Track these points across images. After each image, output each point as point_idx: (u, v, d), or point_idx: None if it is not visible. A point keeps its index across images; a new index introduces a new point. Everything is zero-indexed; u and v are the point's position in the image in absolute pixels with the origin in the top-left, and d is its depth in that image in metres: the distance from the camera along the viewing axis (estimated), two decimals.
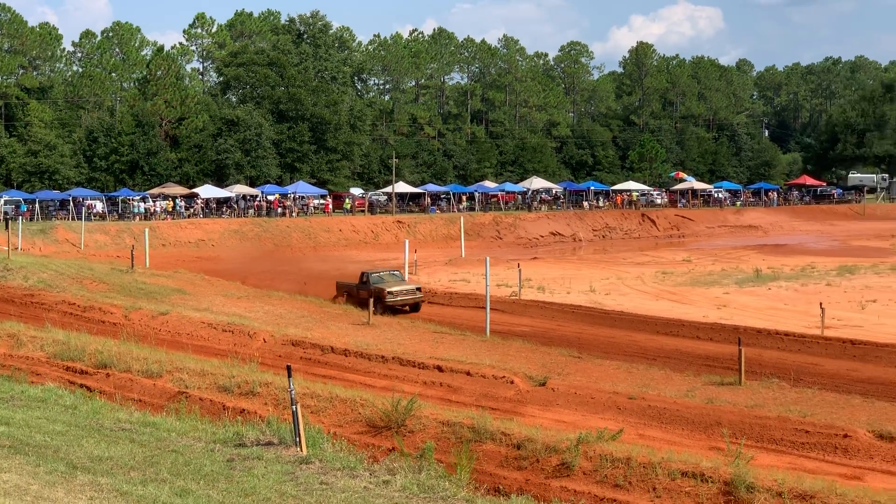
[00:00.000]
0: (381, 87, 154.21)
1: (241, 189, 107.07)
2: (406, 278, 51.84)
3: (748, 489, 16.26)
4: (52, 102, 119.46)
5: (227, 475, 14.82)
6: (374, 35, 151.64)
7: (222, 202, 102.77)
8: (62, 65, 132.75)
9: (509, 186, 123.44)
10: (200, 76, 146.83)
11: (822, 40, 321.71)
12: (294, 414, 16.50)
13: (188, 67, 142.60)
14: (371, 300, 42.40)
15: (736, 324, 40.31)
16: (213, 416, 21.35)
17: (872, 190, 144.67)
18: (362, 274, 49.61)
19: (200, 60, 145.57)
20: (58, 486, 13.75)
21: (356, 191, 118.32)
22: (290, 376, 17.33)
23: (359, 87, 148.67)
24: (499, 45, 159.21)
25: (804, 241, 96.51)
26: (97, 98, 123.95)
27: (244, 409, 22.35)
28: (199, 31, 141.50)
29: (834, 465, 19.67)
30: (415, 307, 47.25)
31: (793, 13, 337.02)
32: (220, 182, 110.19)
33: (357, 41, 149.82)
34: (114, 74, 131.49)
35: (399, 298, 46.84)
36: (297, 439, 16.42)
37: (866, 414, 23.05)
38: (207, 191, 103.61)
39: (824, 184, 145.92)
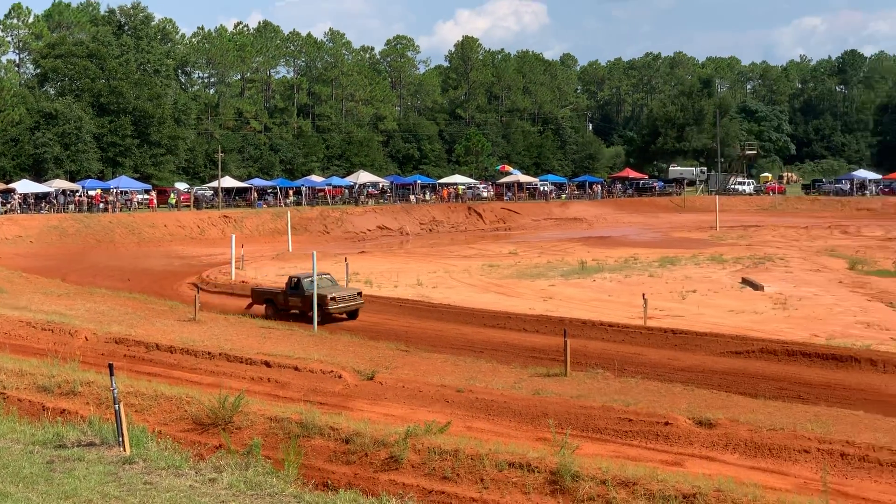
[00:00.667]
0: (206, 80, 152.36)
1: (61, 184, 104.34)
2: (335, 281, 45.53)
3: (573, 478, 16.51)
4: None
5: (46, 477, 14.49)
6: (199, 28, 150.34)
7: (41, 197, 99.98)
8: None
9: (336, 181, 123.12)
10: (17, 68, 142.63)
11: (642, 36, 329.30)
12: (116, 413, 16.21)
13: (3, 59, 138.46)
14: (314, 308, 38.58)
15: (562, 315, 40.85)
16: (32, 417, 20.84)
17: (692, 183, 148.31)
18: (291, 279, 43.93)
19: (16, 52, 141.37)
20: None
21: (181, 185, 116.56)
22: (111, 374, 17.03)
23: (183, 81, 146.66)
24: (325, 39, 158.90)
25: (627, 233, 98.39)
26: None
27: (65, 410, 21.86)
28: (14, 21, 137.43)
29: (656, 452, 20.10)
30: (353, 314, 42.64)
31: (614, 9, 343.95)
32: (39, 177, 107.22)
33: (180, 34, 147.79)
34: None
35: (342, 305, 41.98)
36: (120, 439, 16.14)
37: (686, 402, 23.62)
38: (25, 186, 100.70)
39: (646, 177, 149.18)
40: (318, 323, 38.84)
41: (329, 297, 41.22)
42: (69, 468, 14.99)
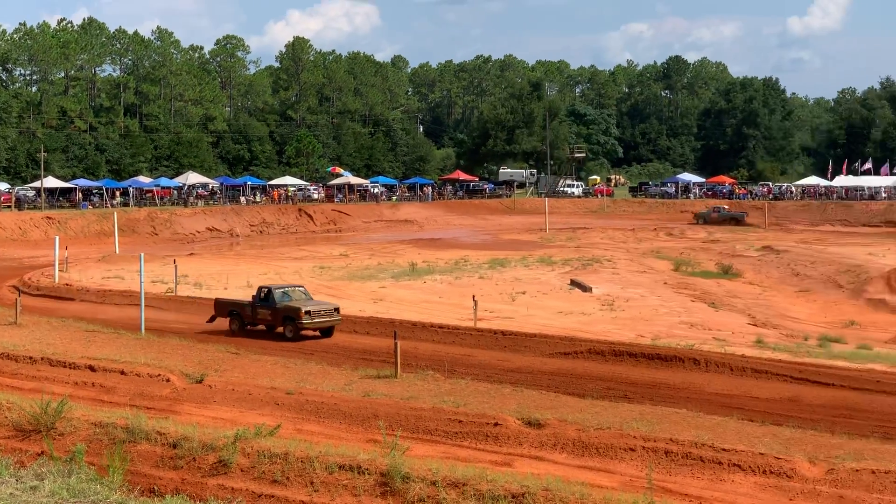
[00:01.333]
0: (28, 77, 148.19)
1: None
2: (310, 294, 40.81)
3: (404, 479, 16.52)
4: None
5: None
6: (20, 23, 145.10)
7: None
8: None
9: (165, 182, 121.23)
10: None
11: (474, 39, 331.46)
12: None
13: None
14: (283, 323, 36.01)
15: (392, 317, 40.98)
16: None
17: (522, 185, 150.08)
18: (261, 289, 39.60)
19: None
20: None
21: (1, 186, 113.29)
22: None
23: (3, 78, 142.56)
24: (153, 38, 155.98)
25: (458, 235, 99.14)
26: None
27: None
28: None
29: (486, 453, 20.21)
30: (328, 331, 37.99)
31: (446, 11, 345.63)
32: None
33: (1, 29, 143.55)
34: None
35: (318, 320, 37.49)
36: None
37: (516, 402, 23.83)
38: None
39: (477, 179, 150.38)
40: (291, 339, 36.62)
41: (303, 310, 37.02)
42: None
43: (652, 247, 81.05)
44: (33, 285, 56.12)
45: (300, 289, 40.23)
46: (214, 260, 73.14)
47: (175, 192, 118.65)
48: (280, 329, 36.01)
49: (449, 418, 22.19)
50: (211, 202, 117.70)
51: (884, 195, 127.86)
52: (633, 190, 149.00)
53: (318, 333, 37.64)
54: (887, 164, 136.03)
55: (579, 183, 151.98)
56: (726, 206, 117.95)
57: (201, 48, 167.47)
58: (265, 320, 38.50)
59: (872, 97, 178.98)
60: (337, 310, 38.60)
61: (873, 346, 39.00)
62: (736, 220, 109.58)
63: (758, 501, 17.32)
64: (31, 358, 29.49)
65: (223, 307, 40.45)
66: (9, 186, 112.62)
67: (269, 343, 35.72)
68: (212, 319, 40.19)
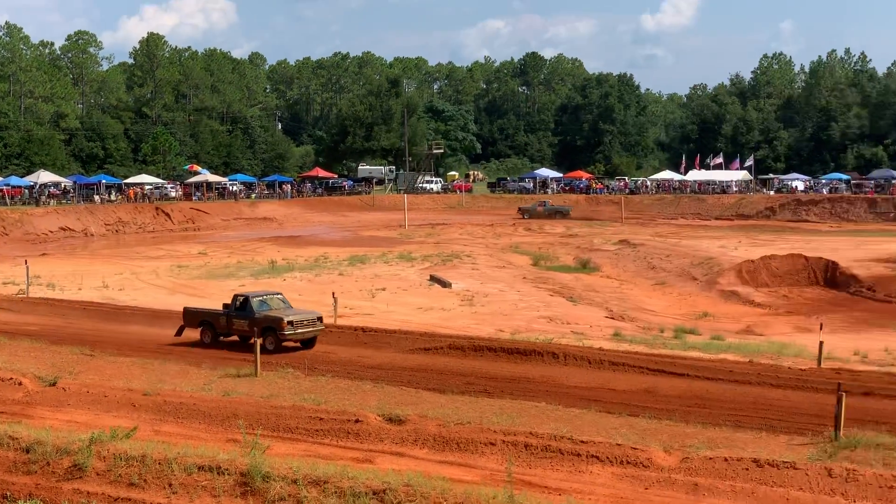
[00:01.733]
0: None
1: None
2: (289, 302, 37.22)
3: (264, 478, 16.40)
4: None
5: None
6: None
7: None
8: None
9: (15, 181, 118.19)
10: None
11: (332, 35, 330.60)
12: None
13: None
14: (260, 334, 31.60)
15: None
16: None
17: (381, 182, 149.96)
18: (237, 298, 36.14)
19: None
20: None
21: None
22: None
23: None
24: (1, 33, 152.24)
25: (318, 232, 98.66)
26: None
27: None
28: None
29: (347, 450, 20.19)
30: (309, 342, 34.91)
31: (304, 8, 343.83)
32: None
33: None
34: None
35: (301, 331, 34.45)
36: None
37: (377, 399, 23.86)
38: None
39: (336, 176, 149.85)
40: (272, 351, 33.06)
41: (285, 321, 33.97)
42: None
43: (511, 242, 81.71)
44: None
45: (278, 296, 37.11)
46: (68, 260, 71.70)
47: (26, 191, 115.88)
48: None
49: (310, 416, 22.11)
50: (64, 201, 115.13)
51: (734, 189, 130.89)
52: (491, 186, 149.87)
53: (298, 345, 34.65)
54: (738, 159, 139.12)
55: (438, 179, 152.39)
56: (551, 201, 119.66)
57: (52, 44, 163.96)
58: (241, 331, 35.03)
59: (723, 93, 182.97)
60: (320, 319, 35.68)
61: (726, 336, 39.94)
62: (561, 214, 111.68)
63: (615, 491, 17.59)
64: None
65: (193, 317, 36.92)
66: None
67: (126, 344, 35.02)
68: (180, 331, 36.75)
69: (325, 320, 36.65)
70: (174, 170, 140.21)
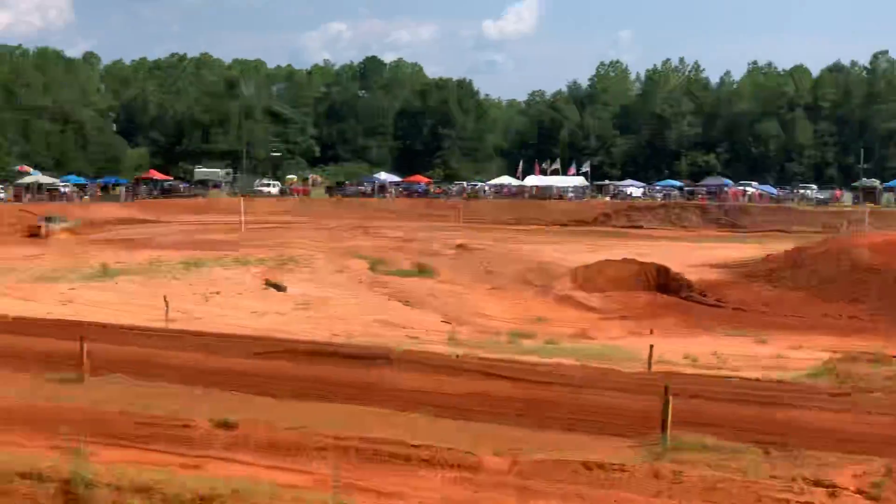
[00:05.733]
0: None
1: None
2: None
3: (87, 485, 16.10)
4: None
5: None
6: None
7: None
8: None
9: None
10: None
11: (171, 36, 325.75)
12: None
13: None
14: None
15: (81, 319, 39.72)
16: None
17: (218, 185, 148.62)
18: None
19: None
20: None
21: None
22: None
23: None
24: None
25: (153, 235, 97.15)
26: None
27: None
28: None
29: (176, 456, 19.80)
30: None
31: (142, 8, 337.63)
32: None
33: None
34: None
35: None
36: None
37: (208, 404, 23.52)
38: None
39: (172, 178, 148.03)
40: None
41: None
42: None
43: (349, 246, 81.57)
44: None
45: None
46: None
47: None
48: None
49: (137, 422, 21.68)
50: None
51: (571, 194, 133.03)
52: (329, 189, 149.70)
53: None
54: (574, 165, 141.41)
55: (276, 182, 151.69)
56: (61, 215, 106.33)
57: None
58: None
59: (561, 100, 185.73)
60: None
61: (560, 340, 40.47)
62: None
63: (446, 495, 17.62)
64: None
65: None
66: None
67: None
68: None
69: (158, 324, 36.26)
70: (3, 170, 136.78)
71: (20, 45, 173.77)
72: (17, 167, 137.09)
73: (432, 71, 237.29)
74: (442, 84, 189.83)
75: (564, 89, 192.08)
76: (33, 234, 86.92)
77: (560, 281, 59.05)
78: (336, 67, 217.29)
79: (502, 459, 19.09)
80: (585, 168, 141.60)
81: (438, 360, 31.55)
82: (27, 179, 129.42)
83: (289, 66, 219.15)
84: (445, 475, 18.54)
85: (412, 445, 19.57)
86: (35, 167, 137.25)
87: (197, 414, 22.05)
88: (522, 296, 56.93)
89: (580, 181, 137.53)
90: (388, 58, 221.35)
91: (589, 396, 27.03)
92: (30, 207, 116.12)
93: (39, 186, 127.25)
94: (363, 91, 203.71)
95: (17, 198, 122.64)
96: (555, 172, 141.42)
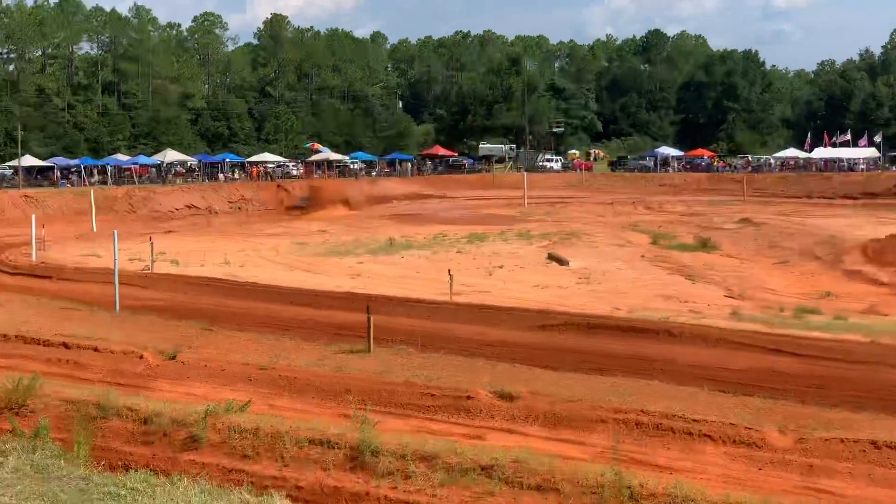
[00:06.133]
0: (5, 56, 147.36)
1: None
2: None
3: (373, 453, 16.53)
4: None
5: None
6: None
7: None
8: None
9: (143, 159, 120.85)
10: None
11: (454, 15, 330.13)
12: None
13: None
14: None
15: (368, 292, 40.87)
16: None
17: (501, 160, 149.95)
18: None
19: None
20: None
21: None
22: None
23: None
24: (130, 16, 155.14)
25: (437, 210, 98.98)
26: None
27: None
28: None
29: (458, 427, 20.19)
30: None
31: None
32: None
33: None
34: None
35: None
36: None
37: (489, 376, 23.80)
38: None
39: (456, 154, 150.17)
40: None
41: None
42: None
43: (630, 220, 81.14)
44: (10, 264, 56.03)
45: None
46: (192, 237, 73.06)
47: (153, 169, 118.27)
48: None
49: (421, 392, 22.15)
50: (189, 179, 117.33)
51: (862, 167, 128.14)
52: (612, 164, 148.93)
53: None
54: (865, 136, 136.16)
55: (558, 157, 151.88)
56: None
57: (179, 25, 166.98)
58: None
59: (851, 69, 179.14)
60: None
61: (849, 316, 39.10)
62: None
63: (727, 471, 17.35)
64: (4, 335, 29.31)
65: None
66: None
67: (244, 319, 35.54)
68: None
69: (443, 298, 37.02)
70: (296, 148, 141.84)
71: (311, 27, 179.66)
72: (308, 144, 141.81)
73: (716, 43, 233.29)
74: (727, 55, 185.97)
75: (856, 58, 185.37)
76: (292, 209, 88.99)
77: (849, 255, 56.99)
78: (618, 42, 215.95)
79: (787, 436, 18.64)
80: (878, 139, 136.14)
81: (720, 335, 31.09)
82: (317, 157, 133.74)
83: (571, 41, 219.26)
84: (727, 451, 18.26)
85: (692, 420, 19.34)
86: (325, 145, 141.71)
87: (479, 385, 22.35)
88: (808, 270, 55.28)
89: (872, 153, 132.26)
90: (670, 31, 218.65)
91: (878, 374, 26.15)
92: (320, 183, 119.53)
93: (329, 163, 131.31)
94: (645, 65, 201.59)
95: (308, 174, 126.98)
96: (844, 144, 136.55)
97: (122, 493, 13.23)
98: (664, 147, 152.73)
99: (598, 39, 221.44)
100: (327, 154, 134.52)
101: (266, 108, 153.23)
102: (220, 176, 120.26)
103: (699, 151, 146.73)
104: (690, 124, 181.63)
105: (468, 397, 21.57)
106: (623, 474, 15.30)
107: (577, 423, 19.93)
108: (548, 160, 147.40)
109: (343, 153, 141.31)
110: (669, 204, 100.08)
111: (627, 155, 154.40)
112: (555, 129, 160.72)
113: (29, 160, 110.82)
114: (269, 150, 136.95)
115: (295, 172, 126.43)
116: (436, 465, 16.10)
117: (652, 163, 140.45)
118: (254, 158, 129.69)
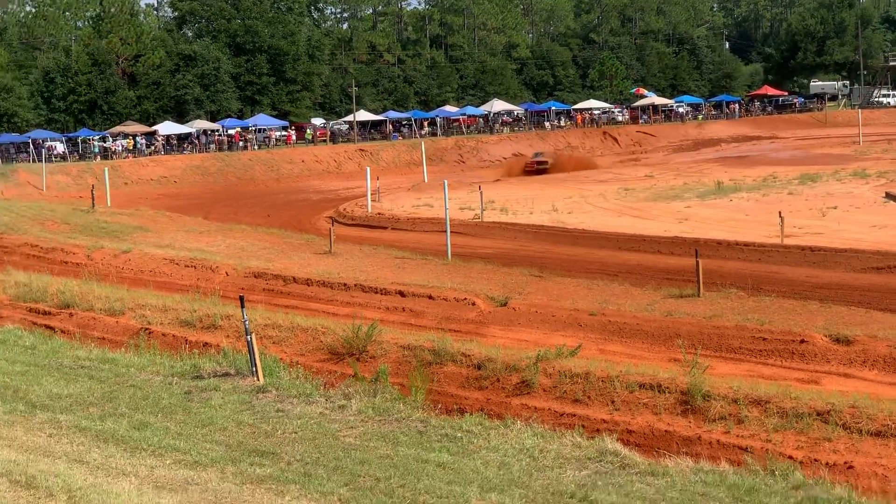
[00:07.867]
0: (339, 15, 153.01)
1: (202, 124, 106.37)
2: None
3: (704, 397, 16.42)
4: (7, 44, 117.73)
5: (184, 407, 14.95)
6: None
7: (183, 138, 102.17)
8: (15, 6, 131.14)
9: (471, 110, 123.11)
10: (155, 12, 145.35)
11: None
12: (249, 344, 16.58)
13: (142, 3, 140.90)
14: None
15: (697, 236, 40.46)
16: (174, 350, 21.38)
17: (834, 98, 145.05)
18: None
19: None
20: (17, 426, 13.86)
21: (317, 121, 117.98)
22: (242, 307, 17.35)
23: (315, 17, 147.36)
24: None
25: (766, 151, 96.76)
26: (52, 38, 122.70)
27: (206, 343, 22.43)
28: None
29: (791, 371, 19.83)
30: None
31: None
32: (181, 118, 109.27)
33: None
34: (67, 13, 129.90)
35: None
36: (254, 369, 16.53)
37: (823, 319, 23.17)
38: (167, 127, 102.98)
39: (786, 93, 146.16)
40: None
41: None
42: (206, 398, 15.44)
43: None
44: (347, 215, 58.41)
45: None
46: (519, 185, 73.93)
47: (481, 120, 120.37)
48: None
49: (752, 336, 21.80)
50: (516, 128, 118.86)
51: None
52: None
53: None
54: None
55: (895, 93, 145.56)
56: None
57: None
58: None
59: None
60: None
61: None
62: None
63: None
64: (344, 285, 30.58)
65: None
66: (324, 122, 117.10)
67: (573, 266, 35.83)
68: None
69: (773, 241, 36.24)
70: (621, 94, 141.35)
71: None
72: (634, 90, 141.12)
73: None
74: None
75: None
76: (528, 171, 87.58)
77: None
78: None
79: None
80: None
81: None
82: (643, 101, 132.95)
83: None
84: None
85: None
86: (650, 89, 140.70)
87: (812, 329, 21.81)
88: None
89: None
90: None
91: None
92: (646, 129, 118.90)
93: (655, 108, 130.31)
94: None
95: (634, 120, 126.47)
96: None
97: (459, 434, 13.67)
98: None
99: None
100: (652, 98, 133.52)
101: (590, 54, 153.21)
102: (546, 124, 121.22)
103: None
104: None
105: (802, 341, 21.10)
106: None
107: None
108: (884, 95, 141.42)
109: (668, 97, 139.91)
110: None
111: None
112: (891, 63, 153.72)
113: (363, 115, 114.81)
114: (594, 96, 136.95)
115: (620, 118, 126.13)
116: (769, 409, 15.85)
117: None
118: (579, 106, 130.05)
